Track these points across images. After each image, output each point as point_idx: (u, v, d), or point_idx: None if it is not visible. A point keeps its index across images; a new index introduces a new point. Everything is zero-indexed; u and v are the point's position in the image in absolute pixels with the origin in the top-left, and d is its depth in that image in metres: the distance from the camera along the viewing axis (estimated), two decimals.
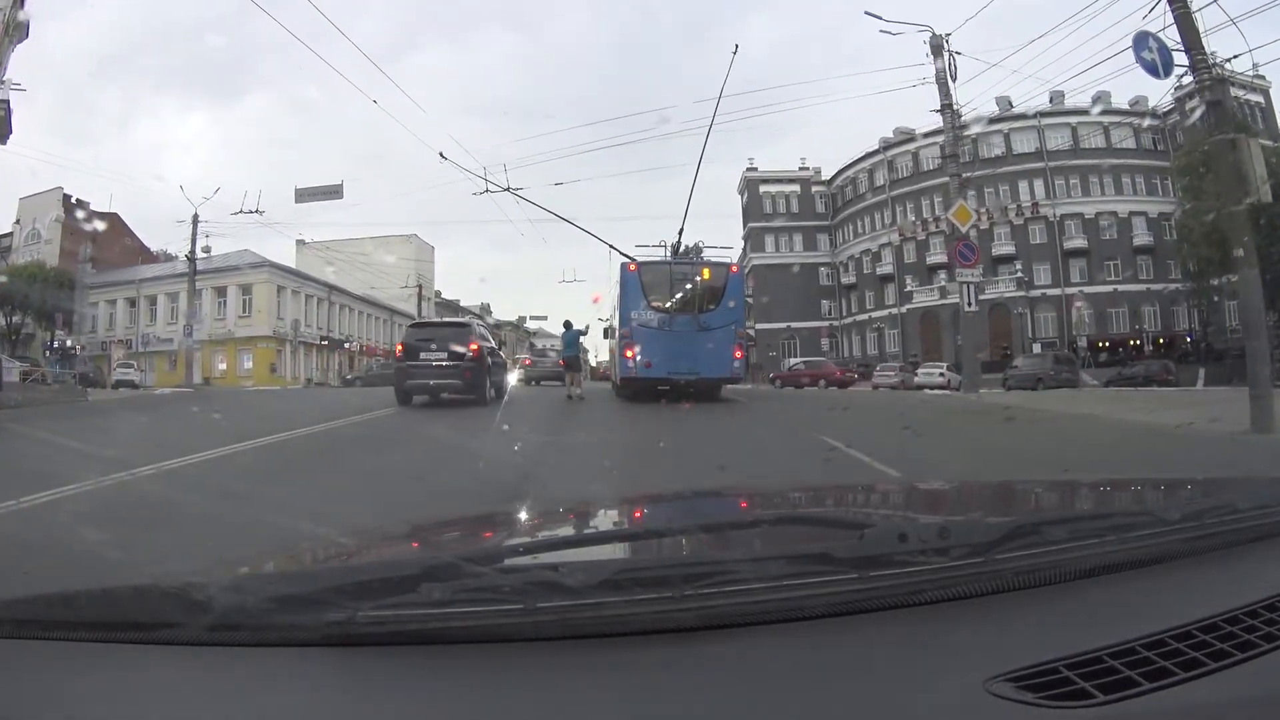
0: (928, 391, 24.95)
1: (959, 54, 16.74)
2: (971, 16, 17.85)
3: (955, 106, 17.23)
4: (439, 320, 20.35)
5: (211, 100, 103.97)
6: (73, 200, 41.52)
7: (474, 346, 12.00)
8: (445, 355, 11.77)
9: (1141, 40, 9.75)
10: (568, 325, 15.77)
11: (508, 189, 18.71)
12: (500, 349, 15.66)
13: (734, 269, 14.81)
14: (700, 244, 16.47)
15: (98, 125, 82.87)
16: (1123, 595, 0.92)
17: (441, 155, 19.25)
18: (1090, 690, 0.71)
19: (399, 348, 12.79)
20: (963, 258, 16.84)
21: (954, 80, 16.81)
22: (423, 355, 11.93)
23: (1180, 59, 9.61)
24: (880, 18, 16.11)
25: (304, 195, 24.90)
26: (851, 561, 0.88)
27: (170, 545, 3.18)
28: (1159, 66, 9.81)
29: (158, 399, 19.59)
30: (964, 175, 18.59)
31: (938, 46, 16.64)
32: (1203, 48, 9.55)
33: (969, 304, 16.70)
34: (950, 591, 0.88)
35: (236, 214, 32.03)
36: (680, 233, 18.58)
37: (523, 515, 1.72)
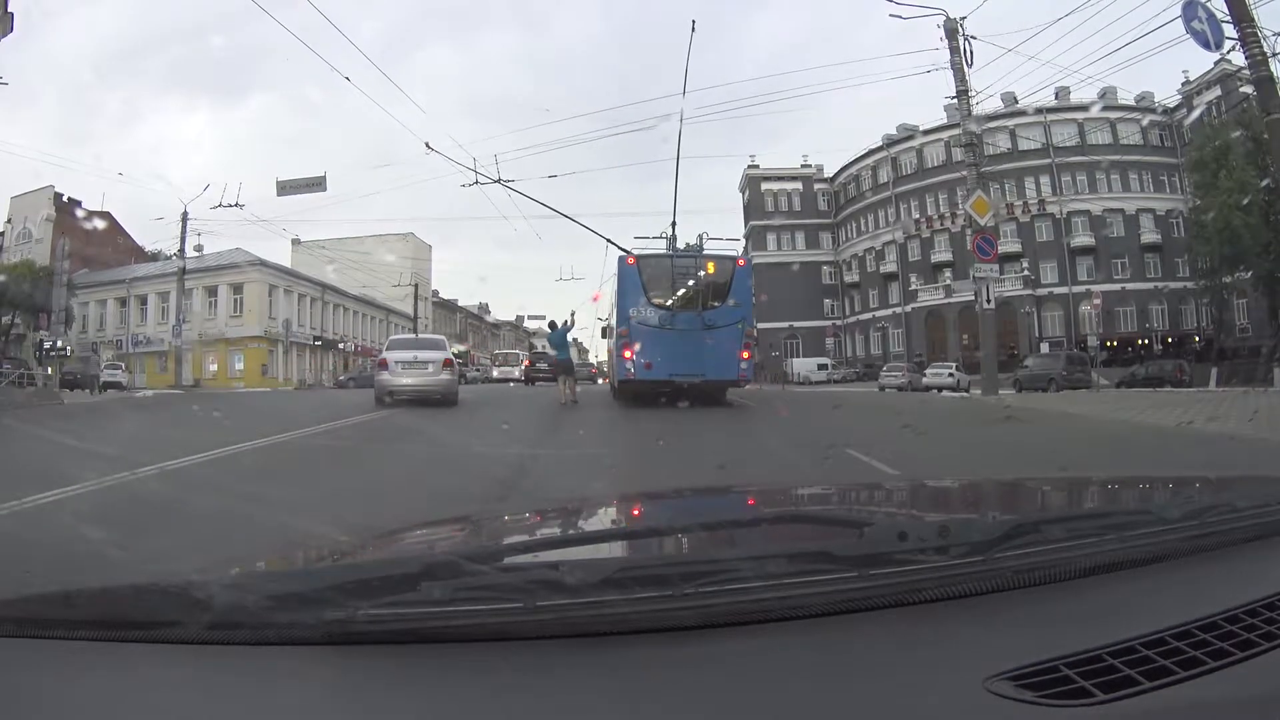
0: (943, 393, 24.42)
1: (973, 38, 16.33)
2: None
3: (971, 93, 16.68)
4: (546, 351, 37.52)
5: (209, 99, 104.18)
6: (64, 199, 41.57)
7: (555, 361, 25.68)
8: (547, 364, 24.73)
9: (1191, 9, 9.45)
10: (553, 325, 15.17)
11: (498, 180, 18.28)
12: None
13: (740, 262, 14.00)
14: (704, 235, 15.66)
15: (91, 124, 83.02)
16: (1123, 594, 0.92)
17: (428, 146, 18.99)
18: (1090, 689, 0.71)
19: (527, 362, 28.94)
20: (981, 251, 16.25)
21: (969, 66, 16.33)
22: (538, 365, 26.81)
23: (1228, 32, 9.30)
24: None
25: (286, 188, 24.73)
26: (851, 560, 0.88)
27: None
28: (1210, 38, 9.52)
29: (136, 402, 19.43)
30: (980, 165, 18.00)
31: (952, 30, 16.15)
32: (1253, 19, 9.30)
33: (987, 301, 16.01)
34: (950, 590, 0.88)
35: (216, 208, 32.28)
36: (673, 225, 17.60)
37: (522, 513, 1.73)
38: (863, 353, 50.96)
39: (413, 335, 15.67)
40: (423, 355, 12.81)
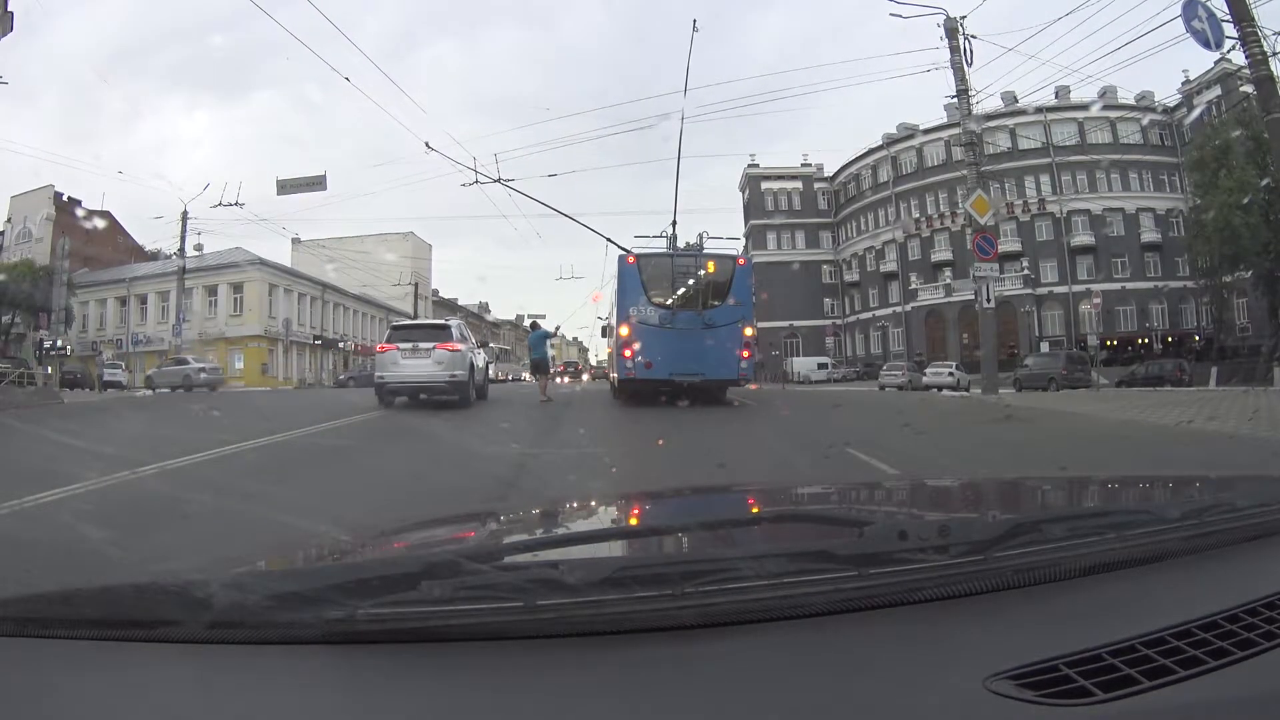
0: (943, 392, 24.41)
1: (974, 37, 16.31)
2: None
3: (971, 92, 16.69)
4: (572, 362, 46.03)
5: (209, 98, 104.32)
6: (64, 198, 41.53)
7: (584, 370, 36.21)
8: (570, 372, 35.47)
9: (1191, 9, 9.49)
10: (534, 325, 15.49)
11: (498, 180, 18.19)
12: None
13: (740, 261, 14.05)
14: (704, 234, 15.84)
15: (91, 123, 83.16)
16: (1123, 593, 0.92)
17: (428, 145, 19.10)
18: (1090, 688, 0.71)
19: (561, 366, 34.71)
20: (981, 251, 16.31)
21: (969, 65, 16.34)
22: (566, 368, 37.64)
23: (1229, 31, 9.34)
24: None
25: (286, 187, 24.70)
26: (851, 559, 0.88)
27: None
28: (1210, 38, 9.55)
29: (136, 402, 19.43)
30: (980, 165, 17.99)
31: (952, 29, 16.16)
32: (1253, 19, 9.33)
33: (987, 300, 16.05)
34: (950, 589, 0.88)
35: (216, 207, 32.34)
36: (674, 224, 17.48)
37: (522, 512, 1.73)
38: (863, 352, 50.93)
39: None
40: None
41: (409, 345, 12.16)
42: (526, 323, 28.04)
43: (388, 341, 12.61)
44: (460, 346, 12.44)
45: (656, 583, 0.84)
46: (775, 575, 0.85)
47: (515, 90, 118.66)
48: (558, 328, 18.03)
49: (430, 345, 12.10)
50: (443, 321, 14.20)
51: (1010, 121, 40.03)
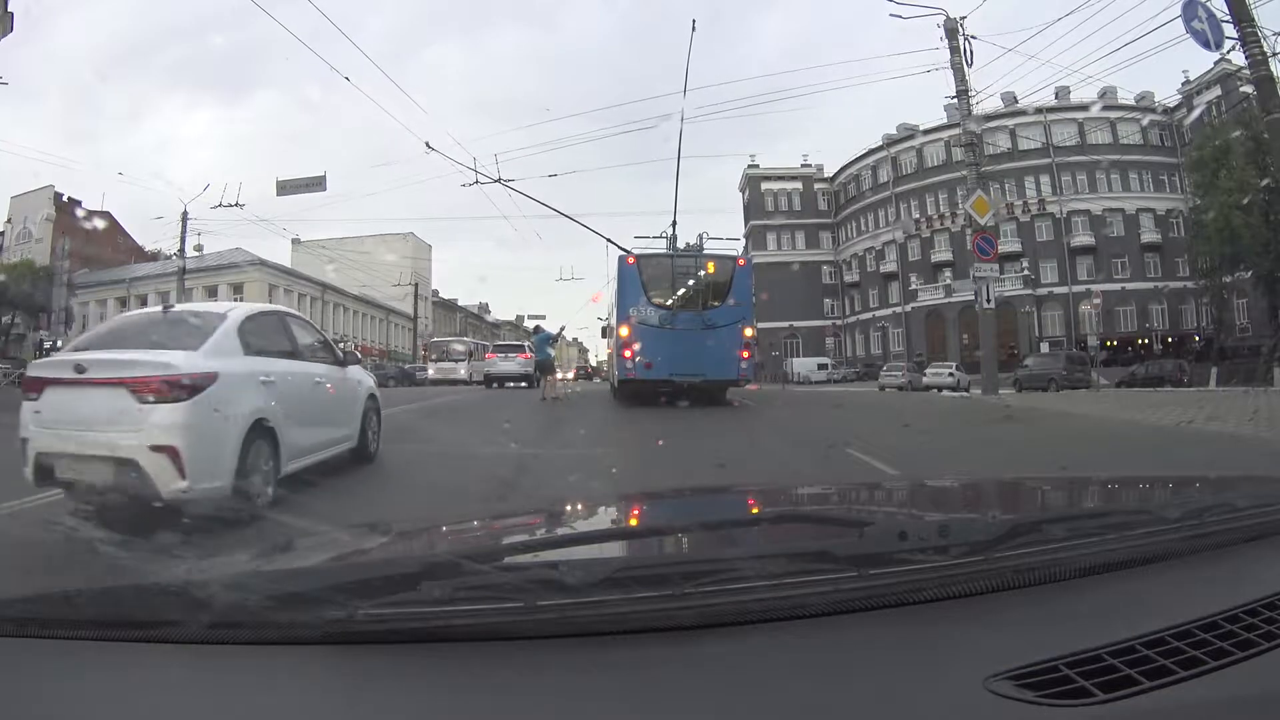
0: (943, 393, 24.31)
1: (974, 38, 16.35)
2: None
3: (971, 93, 16.74)
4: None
5: (209, 98, 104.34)
6: (64, 199, 41.55)
7: (593, 372, 42.62)
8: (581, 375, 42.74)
9: (1191, 9, 9.53)
10: (538, 329, 16.22)
11: (498, 180, 18.33)
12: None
13: (740, 262, 14.08)
14: (704, 235, 15.90)
15: (91, 123, 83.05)
16: (1122, 594, 0.92)
17: (428, 145, 19.20)
18: (1090, 689, 0.71)
19: (574, 369, 38.62)
20: (981, 251, 16.34)
21: (969, 65, 16.40)
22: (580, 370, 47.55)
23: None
24: None
25: (285, 187, 24.72)
26: (851, 559, 0.88)
27: None
28: (1210, 38, 9.60)
29: None
30: (980, 165, 18.06)
31: (952, 30, 16.20)
32: (1253, 19, 9.36)
33: (987, 300, 16.08)
34: (950, 590, 0.88)
35: (216, 207, 32.37)
36: (674, 224, 17.53)
37: (523, 513, 1.73)
38: (863, 352, 50.93)
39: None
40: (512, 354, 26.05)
41: (502, 354, 24.79)
42: (530, 324, 28.86)
43: (491, 352, 26.05)
44: (530, 355, 20.64)
45: (657, 583, 0.84)
46: (775, 575, 0.85)
47: (516, 90, 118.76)
48: (562, 328, 18.51)
49: (514, 355, 24.04)
50: (520, 343, 27.02)
51: (1010, 122, 40.01)
